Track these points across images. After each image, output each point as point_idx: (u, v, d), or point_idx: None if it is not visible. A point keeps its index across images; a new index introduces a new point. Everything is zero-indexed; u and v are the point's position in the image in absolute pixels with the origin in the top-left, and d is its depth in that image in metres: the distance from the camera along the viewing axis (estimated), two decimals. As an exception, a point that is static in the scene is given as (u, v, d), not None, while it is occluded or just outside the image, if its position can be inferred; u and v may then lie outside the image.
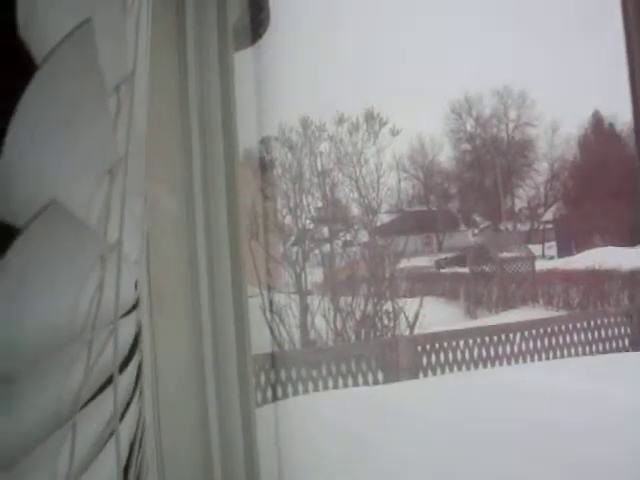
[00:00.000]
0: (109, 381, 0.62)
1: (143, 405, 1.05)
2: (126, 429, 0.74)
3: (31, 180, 0.39)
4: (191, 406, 1.88)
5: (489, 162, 42.68)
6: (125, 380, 0.75)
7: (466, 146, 45.00)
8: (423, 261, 24.27)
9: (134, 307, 0.90)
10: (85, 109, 0.48)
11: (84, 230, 0.51)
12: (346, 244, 13.37)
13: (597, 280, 16.10)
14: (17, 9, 0.35)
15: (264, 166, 11.34)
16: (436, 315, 13.80)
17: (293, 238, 12.28)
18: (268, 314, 10.09)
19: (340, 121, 12.42)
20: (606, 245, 24.65)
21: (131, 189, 0.76)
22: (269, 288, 10.89)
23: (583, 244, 27.70)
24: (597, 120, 37.26)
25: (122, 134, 0.66)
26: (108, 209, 0.59)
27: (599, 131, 36.99)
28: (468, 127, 44.68)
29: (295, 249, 12.04)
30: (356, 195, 12.87)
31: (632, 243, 25.47)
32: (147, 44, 1.08)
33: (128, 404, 0.77)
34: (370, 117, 12.41)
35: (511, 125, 43.91)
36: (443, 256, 30.09)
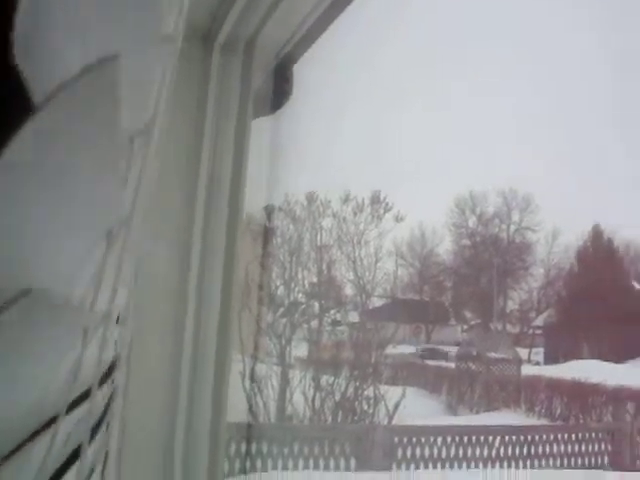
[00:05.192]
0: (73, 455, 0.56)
1: (106, 471, 0.99)
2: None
3: (6, 248, 0.31)
4: (158, 471, 1.81)
5: (486, 260, 42.90)
6: (93, 447, 0.69)
7: (466, 242, 45.31)
8: (410, 350, 24.09)
9: (110, 370, 0.84)
10: (91, 162, 0.40)
11: (63, 314, 0.44)
12: (335, 323, 13.27)
13: (581, 393, 15.93)
14: (15, 26, 0.26)
15: (265, 234, 11.36)
16: (416, 407, 13.58)
17: (282, 309, 12.18)
18: (247, 382, 9.91)
19: (346, 200, 12.50)
20: (594, 358, 24.52)
21: (129, 251, 0.69)
22: (252, 357, 10.74)
23: (570, 354, 27.55)
24: (596, 233, 37.63)
25: (130, 193, 0.59)
26: (100, 277, 0.52)
27: (597, 244, 37.33)
28: (470, 223, 45.11)
29: (284, 321, 11.92)
30: (352, 275, 12.85)
31: (620, 359, 25.35)
32: (168, 96, 1.04)
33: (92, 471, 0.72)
34: (376, 200, 12.49)
35: (512, 227, 44.34)
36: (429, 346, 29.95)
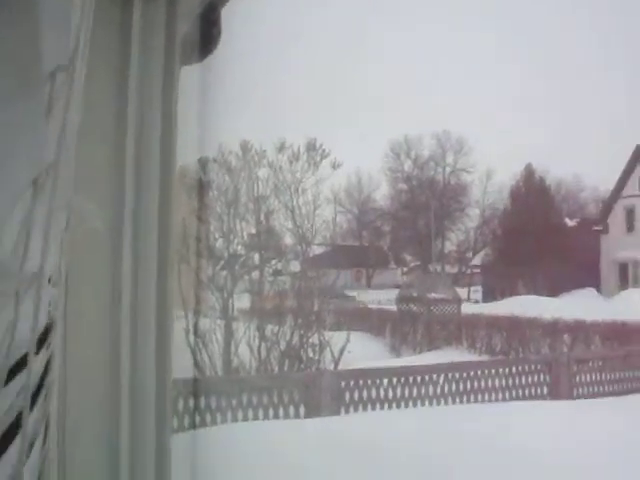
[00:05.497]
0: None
1: (48, 438, 0.93)
2: (31, 465, 0.65)
3: None
4: (103, 430, 1.76)
5: (423, 203, 43.43)
6: (33, 416, 0.64)
7: (402, 186, 45.74)
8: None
9: (47, 332, 0.79)
10: (8, 94, 0.34)
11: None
12: (276, 273, 13.27)
13: (519, 327, 16.45)
14: None
15: (200, 187, 11.17)
16: (361, 350, 13.80)
17: (222, 262, 12.09)
18: (192, 338, 9.85)
19: (281, 148, 12.36)
20: (529, 293, 25.26)
21: (57, 203, 0.64)
22: (195, 311, 10.66)
23: (508, 291, 28.32)
24: (529, 173, 38.41)
25: (54, 135, 0.52)
26: (29, 230, 0.46)
27: (529, 184, 38.14)
28: (406, 167, 45.48)
29: (224, 274, 11.85)
30: (291, 224, 12.80)
31: (554, 293, 26.19)
32: (87, 40, 0.95)
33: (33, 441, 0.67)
34: (311, 148, 12.39)
35: (447, 169, 44.94)
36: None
